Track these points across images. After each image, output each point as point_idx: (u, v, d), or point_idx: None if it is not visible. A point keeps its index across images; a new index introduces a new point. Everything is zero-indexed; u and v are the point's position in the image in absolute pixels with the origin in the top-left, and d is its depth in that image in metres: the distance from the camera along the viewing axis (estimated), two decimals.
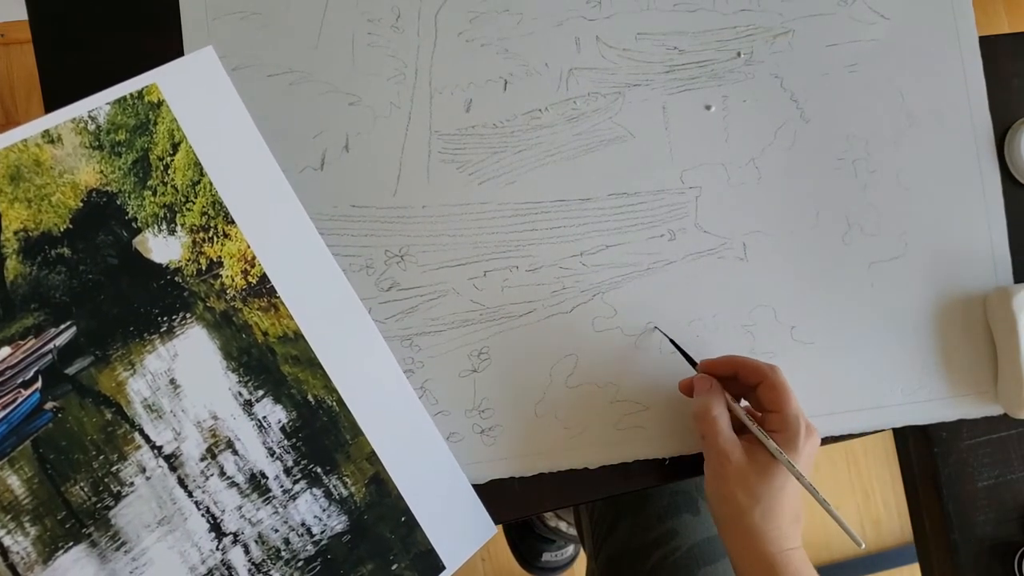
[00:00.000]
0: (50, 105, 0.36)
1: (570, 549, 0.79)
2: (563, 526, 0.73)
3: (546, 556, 0.77)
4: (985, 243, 0.40)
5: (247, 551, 0.33)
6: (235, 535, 0.33)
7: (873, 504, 0.96)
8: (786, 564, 0.29)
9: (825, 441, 0.38)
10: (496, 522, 0.36)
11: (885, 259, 0.39)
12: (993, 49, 0.40)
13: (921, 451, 0.41)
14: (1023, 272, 0.40)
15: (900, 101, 0.40)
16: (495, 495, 0.36)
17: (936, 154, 0.40)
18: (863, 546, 0.30)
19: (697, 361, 0.35)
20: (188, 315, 0.33)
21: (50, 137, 0.33)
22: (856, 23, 0.40)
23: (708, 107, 0.39)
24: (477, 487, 0.36)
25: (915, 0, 0.40)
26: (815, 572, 0.31)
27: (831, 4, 0.40)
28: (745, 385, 0.34)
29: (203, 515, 0.33)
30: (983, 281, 0.40)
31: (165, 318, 0.33)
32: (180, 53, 0.36)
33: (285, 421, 0.34)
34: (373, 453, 0.34)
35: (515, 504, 0.37)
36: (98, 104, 0.33)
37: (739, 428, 0.33)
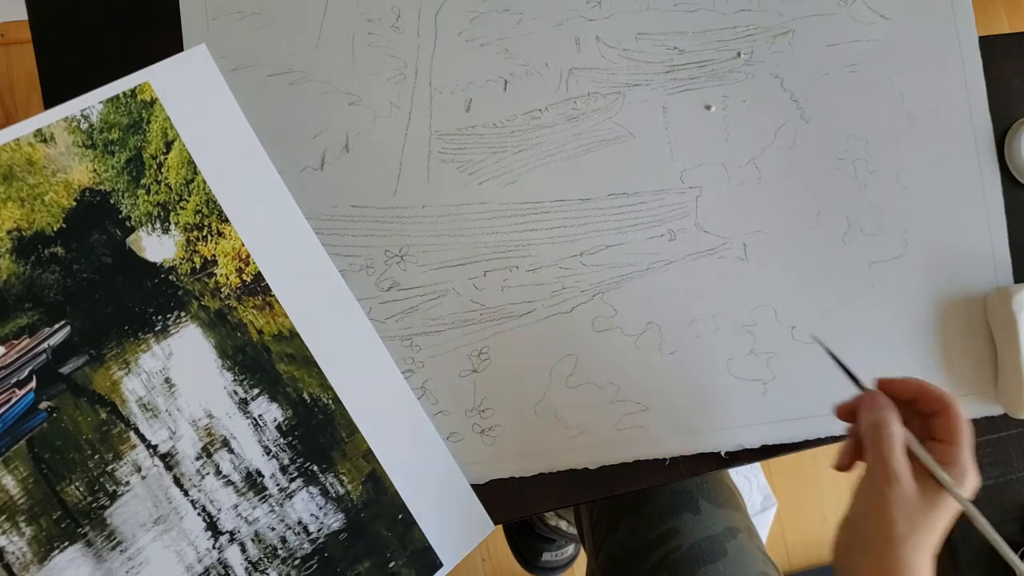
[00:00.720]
0: (50, 105, 0.36)
1: (570, 549, 0.79)
2: (563, 525, 0.73)
3: (546, 556, 0.77)
4: (985, 243, 0.40)
5: (244, 550, 0.33)
6: (231, 534, 0.33)
7: None
8: None
9: (825, 441, 0.38)
10: (496, 522, 0.36)
11: (885, 259, 0.39)
12: (993, 49, 0.40)
13: None
14: (1023, 272, 0.40)
15: (900, 101, 0.40)
16: (495, 495, 0.36)
17: (936, 154, 0.40)
18: None
19: (862, 381, 0.32)
20: (183, 314, 0.33)
21: (43, 136, 0.33)
22: (856, 23, 0.40)
23: (708, 107, 0.39)
24: (477, 487, 0.36)
25: (915, 0, 0.40)
26: None
27: (831, 4, 0.40)
28: (921, 411, 0.31)
29: (199, 514, 0.33)
30: (983, 281, 0.39)
31: (159, 317, 0.33)
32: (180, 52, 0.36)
33: (281, 419, 0.34)
34: (369, 451, 0.34)
35: (515, 504, 0.36)
36: (91, 103, 0.33)
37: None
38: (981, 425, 0.40)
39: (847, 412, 0.32)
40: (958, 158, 0.40)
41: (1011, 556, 0.29)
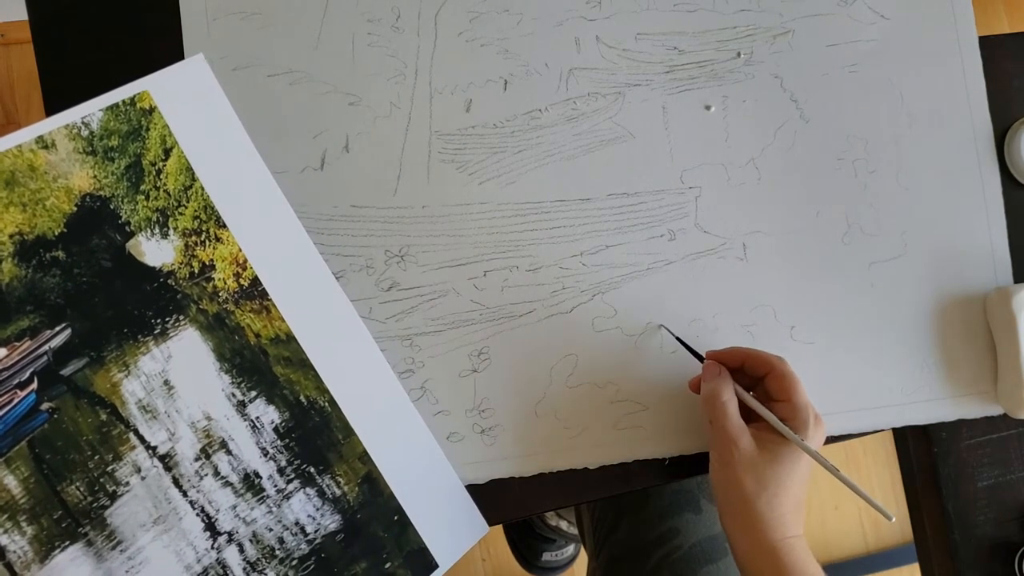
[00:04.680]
0: (50, 105, 0.36)
1: (570, 549, 0.79)
2: (564, 525, 0.73)
3: (546, 556, 0.77)
4: (985, 243, 0.40)
5: (242, 550, 0.33)
6: (230, 534, 0.33)
7: None
8: (789, 551, 0.29)
9: (825, 441, 0.38)
10: (496, 522, 0.36)
11: (885, 259, 0.39)
12: (993, 49, 0.40)
13: (921, 451, 0.41)
14: (1023, 272, 0.40)
15: (900, 101, 0.40)
16: (495, 495, 0.36)
17: (936, 154, 0.40)
18: (893, 519, 0.30)
19: (702, 354, 0.35)
20: (181, 317, 0.33)
21: (44, 143, 0.33)
22: (856, 23, 0.40)
23: (708, 107, 0.39)
24: (477, 487, 0.36)
25: (915, 0, 0.40)
26: (815, 561, 0.31)
27: (831, 4, 0.40)
28: (752, 376, 0.34)
29: (198, 514, 0.33)
30: (983, 281, 0.39)
31: (159, 320, 0.33)
32: (180, 53, 0.36)
33: (278, 421, 0.34)
34: (365, 453, 0.35)
35: (515, 504, 0.37)
36: (91, 110, 0.33)
37: (745, 419, 0.33)
38: (981, 425, 0.40)
39: (696, 384, 0.35)
40: (958, 158, 0.40)
41: (860, 491, 0.30)
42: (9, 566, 0.31)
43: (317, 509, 0.34)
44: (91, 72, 0.36)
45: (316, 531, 0.34)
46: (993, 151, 0.40)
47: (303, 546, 0.33)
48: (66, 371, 0.32)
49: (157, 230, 0.34)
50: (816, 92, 0.39)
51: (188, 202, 0.34)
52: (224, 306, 0.34)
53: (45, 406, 0.32)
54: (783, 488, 0.30)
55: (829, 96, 0.39)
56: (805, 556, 0.30)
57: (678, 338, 0.36)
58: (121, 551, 0.32)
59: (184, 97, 0.34)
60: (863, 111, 0.39)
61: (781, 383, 0.32)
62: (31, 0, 0.36)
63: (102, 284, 0.33)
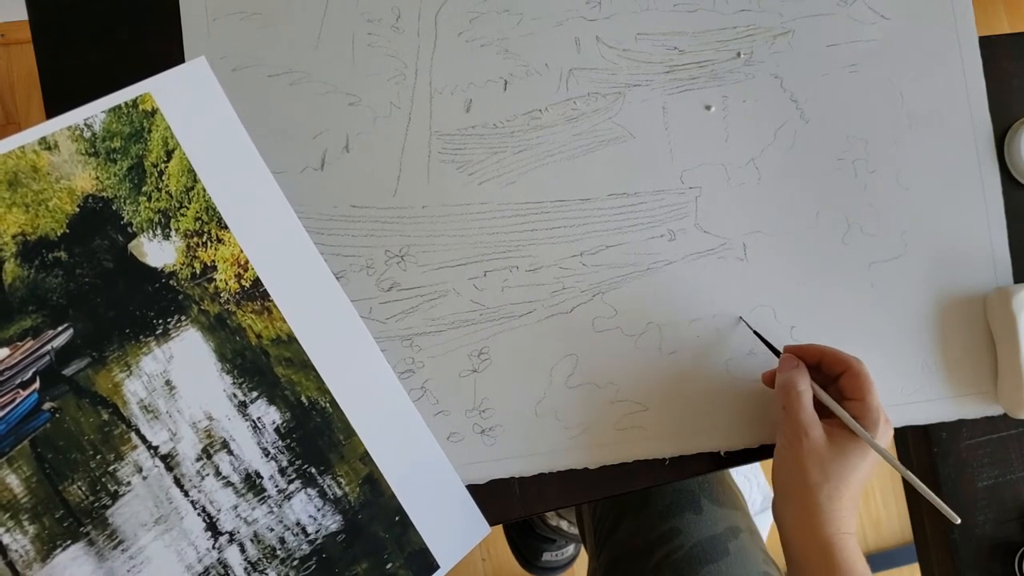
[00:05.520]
0: (50, 105, 0.36)
1: (570, 549, 0.79)
2: (564, 525, 0.73)
3: (546, 556, 0.77)
4: (985, 243, 0.40)
5: (243, 550, 0.33)
6: (231, 534, 0.33)
7: (873, 504, 0.96)
8: (842, 547, 0.30)
9: None
10: (496, 522, 0.36)
11: (885, 259, 0.39)
12: (993, 49, 0.40)
13: (921, 451, 0.41)
14: (1023, 272, 0.40)
15: (900, 101, 0.40)
16: (495, 495, 0.36)
17: (936, 154, 0.40)
18: (958, 521, 0.30)
19: (779, 348, 0.36)
20: (183, 318, 0.34)
21: (47, 144, 0.33)
22: (856, 23, 0.40)
23: (708, 107, 0.39)
24: (477, 487, 0.36)
25: (915, 0, 0.40)
26: (864, 560, 0.31)
27: (831, 4, 0.39)
28: (827, 375, 0.34)
29: (199, 514, 0.33)
30: (983, 281, 0.39)
31: (160, 321, 0.33)
32: (180, 53, 0.36)
33: (279, 422, 0.34)
34: (366, 453, 0.35)
35: (515, 504, 0.37)
36: (94, 112, 0.34)
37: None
38: (981, 425, 0.40)
39: (770, 378, 0.36)
40: (958, 158, 0.40)
41: (926, 491, 0.31)
42: (11, 565, 0.31)
43: (318, 509, 0.34)
44: (91, 72, 0.36)
45: (317, 531, 0.34)
46: (993, 151, 0.40)
47: (304, 546, 0.34)
48: (68, 371, 0.32)
49: (159, 231, 0.34)
50: (816, 92, 0.39)
51: (190, 203, 0.34)
52: (225, 307, 0.34)
53: (47, 406, 0.32)
54: (845, 483, 0.31)
55: (829, 96, 0.39)
56: (856, 554, 0.30)
57: (756, 331, 0.37)
58: (122, 551, 0.32)
59: (186, 99, 0.34)
60: (863, 111, 0.39)
61: (856, 382, 0.32)
62: (31, 0, 0.36)
63: (104, 285, 0.33)
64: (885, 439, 0.32)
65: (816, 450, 0.31)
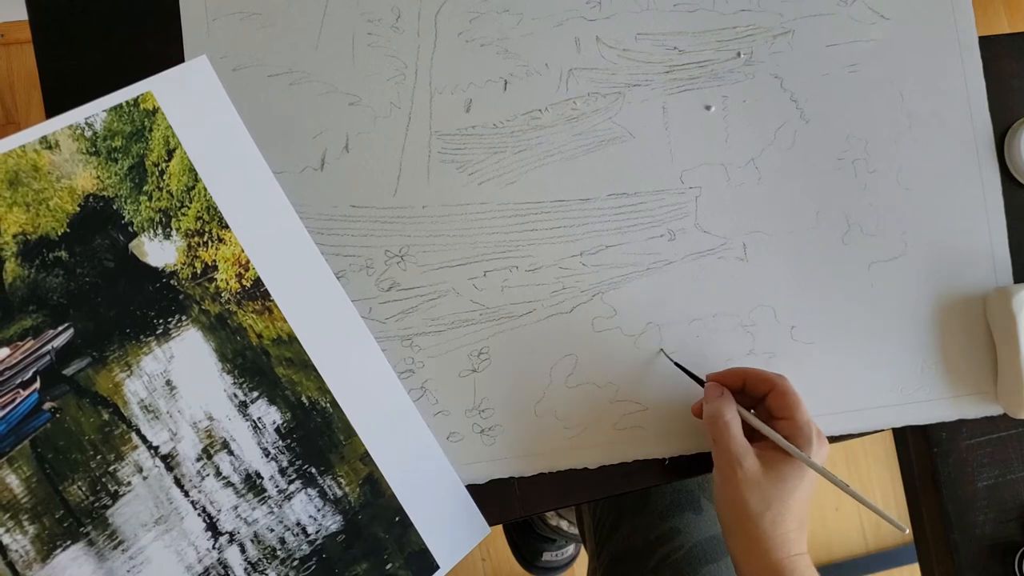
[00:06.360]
0: (50, 105, 0.36)
1: (570, 548, 0.79)
2: (564, 525, 0.73)
3: (546, 556, 0.77)
4: (985, 243, 0.40)
5: (243, 550, 0.33)
6: (231, 534, 0.33)
7: None
8: (792, 570, 0.30)
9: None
10: (496, 522, 0.36)
11: (885, 259, 0.39)
12: (993, 49, 0.40)
13: (921, 451, 0.41)
14: (1023, 272, 0.40)
15: (900, 101, 0.40)
16: (495, 495, 0.36)
17: (936, 154, 0.40)
18: (907, 531, 0.30)
19: (703, 377, 0.35)
20: (184, 318, 0.33)
21: (48, 143, 0.33)
22: (856, 23, 0.40)
23: (708, 107, 0.39)
24: (477, 487, 0.36)
25: (915, 0, 0.40)
26: None
27: (831, 4, 0.40)
28: (753, 396, 0.34)
29: (199, 515, 0.33)
30: (983, 281, 0.39)
31: (161, 320, 0.33)
32: (180, 53, 0.36)
33: (280, 422, 0.34)
34: (367, 454, 0.35)
35: (515, 504, 0.37)
36: (95, 111, 0.33)
37: (748, 438, 0.33)
38: (981, 425, 0.40)
39: (698, 409, 0.35)
40: (958, 158, 0.40)
41: (870, 503, 0.30)
42: (11, 565, 0.31)
43: (318, 510, 0.34)
44: (91, 72, 0.36)
45: (317, 532, 0.34)
46: (993, 151, 0.40)
47: (304, 547, 0.34)
48: (69, 371, 0.32)
49: (160, 230, 0.34)
50: (816, 92, 0.39)
51: (191, 203, 0.34)
52: (226, 307, 0.34)
53: (47, 405, 0.32)
54: (787, 507, 0.30)
55: (829, 96, 0.39)
56: (808, 573, 0.30)
57: (676, 363, 0.36)
58: (123, 551, 0.32)
59: (187, 98, 0.34)
60: (863, 111, 0.39)
61: (783, 401, 0.32)
62: (31, 0, 0.36)
63: (105, 284, 0.33)
64: (821, 454, 0.31)
65: (752, 479, 0.30)
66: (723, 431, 0.32)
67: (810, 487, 0.31)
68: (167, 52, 0.36)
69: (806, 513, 0.31)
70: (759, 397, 0.34)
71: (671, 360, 0.37)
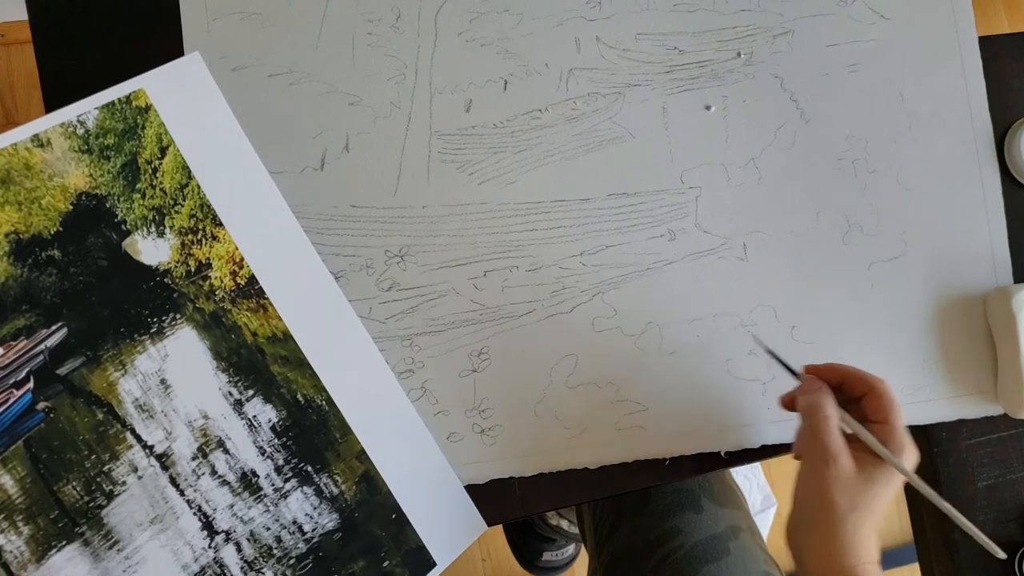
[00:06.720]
0: (50, 105, 0.36)
1: (571, 548, 0.79)
2: (564, 525, 0.73)
3: (546, 555, 0.77)
4: (985, 243, 0.40)
5: (239, 549, 0.33)
6: (227, 533, 0.33)
7: None
8: None
9: None
10: (496, 522, 0.36)
11: (885, 259, 0.39)
12: (993, 49, 0.40)
13: (921, 451, 0.41)
14: (1023, 272, 0.40)
15: (900, 101, 0.40)
16: (495, 495, 0.36)
17: (936, 154, 0.40)
18: (1003, 556, 0.29)
19: (796, 369, 0.34)
20: (178, 316, 0.33)
21: (40, 141, 0.33)
22: (856, 23, 0.40)
23: (708, 107, 0.39)
24: (477, 487, 0.36)
25: (915, 0, 0.40)
26: None
27: (831, 4, 0.40)
28: (848, 396, 0.33)
29: (195, 514, 0.33)
30: (983, 281, 0.39)
31: (155, 319, 0.33)
32: (180, 53, 0.36)
33: (275, 420, 0.34)
34: (363, 451, 0.34)
35: (515, 504, 0.36)
36: (87, 109, 0.33)
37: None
38: (981, 425, 0.40)
39: (789, 401, 0.34)
40: (958, 158, 0.40)
41: (964, 522, 0.30)
42: (5, 566, 0.31)
43: (315, 508, 0.34)
44: (91, 72, 0.36)
45: (314, 530, 0.34)
46: (993, 151, 0.40)
47: (300, 545, 0.33)
48: (62, 370, 0.32)
49: (153, 229, 0.34)
50: (816, 92, 0.39)
51: (184, 200, 0.34)
52: (221, 305, 0.34)
53: (41, 405, 0.32)
54: (870, 511, 0.30)
55: (829, 96, 0.39)
56: None
57: (769, 351, 0.34)
58: (118, 551, 0.32)
59: (180, 95, 0.34)
60: (863, 111, 0.39)
61: (880, 403, 0.31)
62: (31, 0, 0.36)
63: (98, 283, 0.33)
64: (911, 462, 0.31)
65: (844, 478, 0.30)
66: (823, 424, 0.31)
67: (894, 494, 0.31)
68: (167, 52, 0.36)
69: (881, 521, 0.31)
70: (855, 398, 0.33)
71: (764, 347, 0.35)
